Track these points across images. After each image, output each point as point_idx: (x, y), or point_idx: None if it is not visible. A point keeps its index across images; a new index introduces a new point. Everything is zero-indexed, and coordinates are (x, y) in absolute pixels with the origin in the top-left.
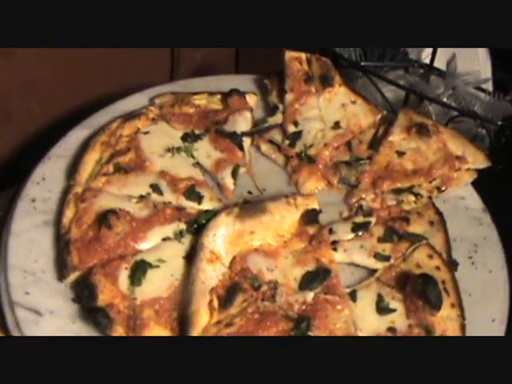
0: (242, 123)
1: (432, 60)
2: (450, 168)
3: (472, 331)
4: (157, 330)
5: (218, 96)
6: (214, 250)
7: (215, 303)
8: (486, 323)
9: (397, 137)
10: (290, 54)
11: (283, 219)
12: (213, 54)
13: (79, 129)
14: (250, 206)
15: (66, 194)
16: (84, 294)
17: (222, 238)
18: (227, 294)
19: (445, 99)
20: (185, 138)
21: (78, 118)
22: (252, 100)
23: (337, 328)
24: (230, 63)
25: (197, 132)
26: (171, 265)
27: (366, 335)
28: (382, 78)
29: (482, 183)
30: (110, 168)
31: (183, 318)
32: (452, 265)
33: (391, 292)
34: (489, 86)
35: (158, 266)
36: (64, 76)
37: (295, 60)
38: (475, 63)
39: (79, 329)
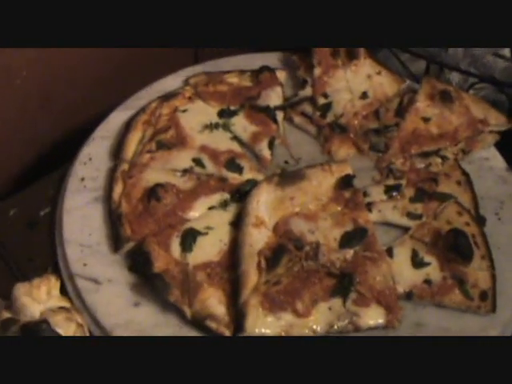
0: (274, 98)
1: None
2: (474, 131)
3: (502, 281)
4: (210, 291)
5: (249, 73)
6: (259, 215)
7: (263, 264)
8: None
9: (421, 104)
10: None
11: (320, 184)
12: None
13: (120, 110)
14: (289, 174)
15: (114, 172)
16: (140, 262)
17: (264, 204)
18: (274, 255)
19: (464, 67)
20: (221, 114)
21: (117, 100)
22: (282, 76)
23: (377, 282)
24: None
25: (232, 108)
26: (219, 231)
27: (404, 288)
28: (403, 50)
29: (505, 145)
30: (153, 145)
31: (234, 279)
32: (480, 220)
33: (425, 247)
34: (506, 52)
35: (206, 233)
36: (99, 62)
37: None
38: None
39: (137, 295)
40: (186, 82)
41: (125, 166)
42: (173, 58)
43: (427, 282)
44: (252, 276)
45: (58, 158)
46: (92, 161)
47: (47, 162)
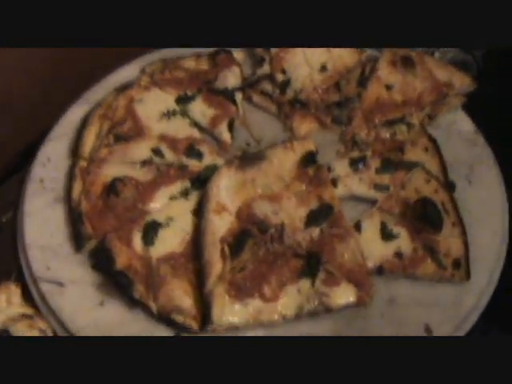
0: (231, 79)
1: None
2: (439, 95)
3: (475, 247)
4: (175, 283)
5: (206, 56)
6: (220, 201)
7: (227, 251)
8: (487, 238)
9: (383, 71)
10: None
11: (282, 163)
12: None
13: (76, 106)
14: (249, 156)
15: (72, 170)
16: (102, 260)
17: (225, 188)
18: (236, 241)
19: None
20: (179, 100)
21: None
22: (239, 56)
23: (345, 260)
24: None
25: (189, 93)
26: (181, 221)
27: (374, 263)
28: None
29: (472, 106)
30: (111, 139)
31: (199, 269)
32: (449, 186)
33: (394, 219)
34: None
35: (168, 224)
36: (53, 56)
37: None
38: None
39: (102, 294)
40: (143, 71)
41: (83, 163)
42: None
43: (398, 254)
44: (216, 264)
45: (20, 162)
46: (51, 161)
47: (8, 167)
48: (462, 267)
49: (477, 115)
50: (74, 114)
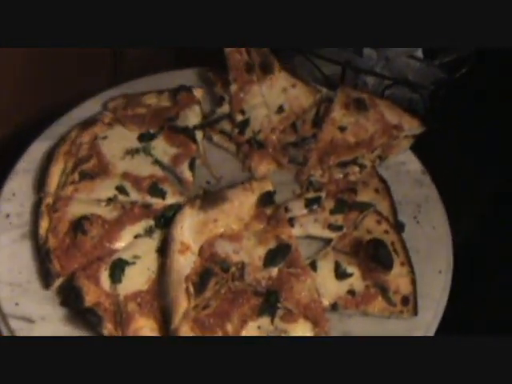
0: (192, 117)
1: None
2: (389, 137)
3: (422, 284)
4: (142, 320)
5: (167, 93)
6: (183, 240)
7: (191, 289)
8: (433, 275)
9: (337, 113)
10: None
11: (242, 204)
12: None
13: (39, 141)
14: (211, 196)
15: (38, 207)
16: (71, 298)
17: (188, 228)
18: (201, 280)
19: (379, 70)
20: (141, 138)
21: (33, 129)
22: (199, 93)
23: (302, 297)
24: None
25: (151, 131)
26: (146, 259)
27: (329, 300)
28: (317, 56)
29: (420, 145)
30: (76, 176)
31: (164, 307)
32: (399, 226)
33: (347, 258)
34: (419, 54)
35: (134, 263)
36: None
37: (235, 51)
38: None
39: (71, 330)
40: (105, 107)
41: (49, 200)
42: (90, 80)
43: (351, 292)
44: (181, 302)
45: None
46: (16, 196)
47: None
48: (410, 303)
49: (424, 155)
50: (37, 149)
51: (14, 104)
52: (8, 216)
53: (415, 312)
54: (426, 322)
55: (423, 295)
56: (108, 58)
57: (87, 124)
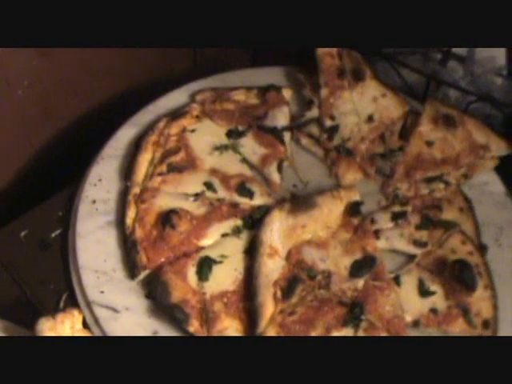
0: (280, 118)
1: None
2: (476, 156)
3: (503, 308)
4: (227, 321)
5: (255, 91)
6: (272, 244)
7: (279, 294)
8: None
9: (425, 127)
10: (321, 49)
11: (331, 212)
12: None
13: (127, 127)
14: (300, 201)
15: (125, 195)
16: (158, 292)
17: (277, 232)
18: (288, 285)
19: (464, 85)
20: (229, 134)
21: (117, 115)
22: (288, 94)
23: (386, 311)
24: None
25: (240, 128)
26: (233, 260)
27: (411, 317)
28: (401, 64)
29: (503, 168)
30: (164, 168)
31: (251, 310)
32: (482, 249)
33: (430, 276)
34: (503, 71)
35: (221, 262)
36: (97, 73)
37: (327, 55)
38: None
39: (156, 323)
40: (193, 99)
41: (136, 189)
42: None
43: (433, 310)
44: (269, 306)
45: (61, 175)
46: (102, 182)
47: (51, 179)
48: (490, 327)
49: (507, 177)
50: (124, 135)
51: (101, 88)
52: (94, 202)
53: None
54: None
55: (504, 320)
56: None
57: (176, 115)
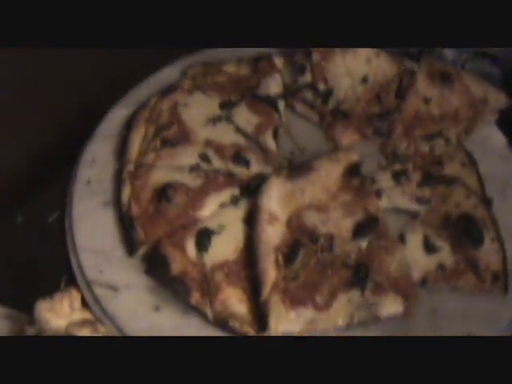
0: (273, 86)
1: None
2: (475, 110)
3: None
4: (229, 290)
5: (247, 62)
6: (271, 210)
7: (280, 260)
8: None
9: (421, 84)
10: None
11: (329, 174)
12: None
13: (118, 107)
14: (298, 166)
15: (120, 174)
16: (157, 266)
17: (276, 198)
18: (290, 251)
19: None
20: (223, 106)
21: (110, 96)
22: (279, 62)
23: (392, 270)
24: None
25: (233, 99)
26: (232, 229)
27: (418, 274)
28: None
29: (504, 122)
30: (157, 143)
31: (253, 278)
32: (487, 202)
33: (436, 232)
34: None
35: (220, 232)
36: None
37: None
38: None
39: (157, 299)
40: (184, 74)
41: (130, 167)
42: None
43: (441, 266)
44: (271, 273)
45: (56, 159)
46: (96, 162)
47: (46, 165)
48: (500, 281)
49: (508, 130)
50: (117, 115)
51: (91, 70)
52: (89, 182)
53: (505, 290)
54: None
55: None
56: None
57: (167, 91)
